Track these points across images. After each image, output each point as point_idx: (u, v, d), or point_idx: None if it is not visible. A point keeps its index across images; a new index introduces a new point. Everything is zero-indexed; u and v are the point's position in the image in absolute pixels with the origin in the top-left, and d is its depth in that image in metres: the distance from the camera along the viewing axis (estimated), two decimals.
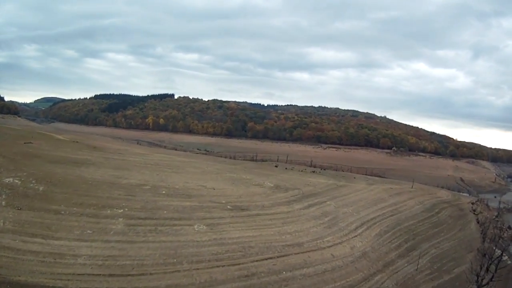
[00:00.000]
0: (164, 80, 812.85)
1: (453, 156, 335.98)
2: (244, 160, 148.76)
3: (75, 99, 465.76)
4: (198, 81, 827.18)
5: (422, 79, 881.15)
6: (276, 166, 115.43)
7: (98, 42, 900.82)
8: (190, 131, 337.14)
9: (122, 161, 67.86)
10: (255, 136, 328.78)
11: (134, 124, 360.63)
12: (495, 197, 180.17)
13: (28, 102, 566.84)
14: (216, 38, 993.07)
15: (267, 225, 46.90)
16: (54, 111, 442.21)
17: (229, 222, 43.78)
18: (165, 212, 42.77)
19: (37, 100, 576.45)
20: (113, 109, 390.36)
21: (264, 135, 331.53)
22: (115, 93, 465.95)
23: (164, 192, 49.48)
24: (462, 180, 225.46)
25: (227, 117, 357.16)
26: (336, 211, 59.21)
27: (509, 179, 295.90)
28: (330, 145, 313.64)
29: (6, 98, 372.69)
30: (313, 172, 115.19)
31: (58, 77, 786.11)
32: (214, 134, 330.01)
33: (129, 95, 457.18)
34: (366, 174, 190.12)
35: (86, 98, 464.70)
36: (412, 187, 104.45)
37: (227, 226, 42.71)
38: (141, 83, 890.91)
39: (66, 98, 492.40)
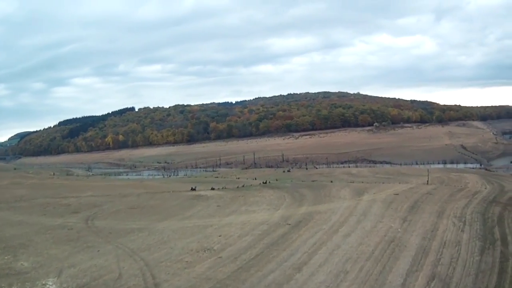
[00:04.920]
0: (132, 96, 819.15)
1: (441, 121, 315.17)
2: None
3: (40, 130, 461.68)
4: (164, 90, 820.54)
5: (387, 50, 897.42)
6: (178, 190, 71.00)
7: (61, 70, 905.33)
8: (150, 143, 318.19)
9: None
10: (219, 137, 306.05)
11: (95, 145, 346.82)
12: (511, 162, 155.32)
13: (2, 141, 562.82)
14: (175, 46, 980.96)
15: None
16: (21, 146, 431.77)
17: None
18: None
19: (11, 137, 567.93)
20: (74, 134, 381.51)
21: (228, 134, 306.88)
22: (79, 116, 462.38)
23: None
24: (463, 147, 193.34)
25: (188, 122, 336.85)
26: None
27: (506, 136, 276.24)
28: (302, 133, 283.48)
29: None
30: (264, 183, 72.51)
31: (30, 111, 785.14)
32: (175, 142, 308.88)
33: (90, 117, 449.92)
34: (348, 161, 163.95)
35: (50, 127, 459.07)
36: (428, 182, 63.64)
37: None
38: (110, 103, 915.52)
39: (33, 130, 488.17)
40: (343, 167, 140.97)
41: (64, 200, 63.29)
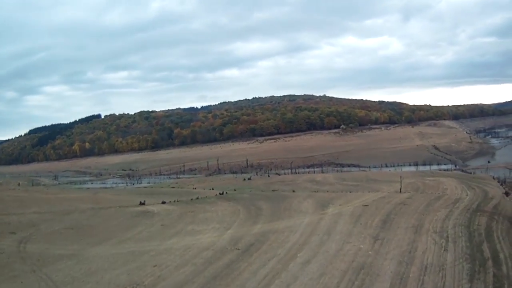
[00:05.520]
0: (99, 103, 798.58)
1: (410, 122, 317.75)
2: None
3: (12, 139, 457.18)
4: (131, 97, 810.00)
5: (353, 52, 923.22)
6: None
7: (32, 79, 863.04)
8: (116, 150, 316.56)
9: None
10: (183, 143, 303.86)
11: (63, 153, 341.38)
12: (488, 162, 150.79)
13: None
14: (141, 52, 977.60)
15: None
16: None
17: None
18: None
19: None
20: (43, 142, 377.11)
21: (192, 140, 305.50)
22: (47, 124, 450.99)
23: None
24: (436, 148, 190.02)
25: (152, 128, 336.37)
26: None
27: (480, 135, 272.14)
28: (267, 137, 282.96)
29: None
30: (221, 194, 67.28)
31: (3, 120, 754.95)
32: (140, 149, 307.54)
33: (58, 125, 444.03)
34: (314, 165, 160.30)
35: (21, 135, 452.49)
36: (401, 189, 58.96)
37: None
38: (79, 110, 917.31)
39: (5, 139, 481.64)
40: (308, 172, 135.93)
41: (6, 217, 57.86)
